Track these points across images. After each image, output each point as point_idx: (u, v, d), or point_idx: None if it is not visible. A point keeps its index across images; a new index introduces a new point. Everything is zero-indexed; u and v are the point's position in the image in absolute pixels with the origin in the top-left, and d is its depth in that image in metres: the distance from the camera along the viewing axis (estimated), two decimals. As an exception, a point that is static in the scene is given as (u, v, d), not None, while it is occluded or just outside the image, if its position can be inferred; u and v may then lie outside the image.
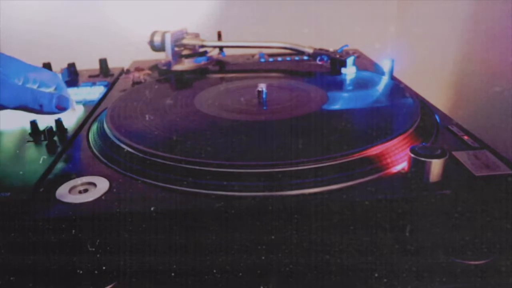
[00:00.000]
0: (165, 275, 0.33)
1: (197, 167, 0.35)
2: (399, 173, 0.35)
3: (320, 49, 0.68)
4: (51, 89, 0.46)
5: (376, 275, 0.33)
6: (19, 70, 0.42)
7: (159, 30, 0.74)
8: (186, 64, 0.73)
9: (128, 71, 0.75)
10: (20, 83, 0.42)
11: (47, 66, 0.69)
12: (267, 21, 0.97)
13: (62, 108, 0.43)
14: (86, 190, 0.34)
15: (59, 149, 0.42)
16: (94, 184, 0.35)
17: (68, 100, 0.44)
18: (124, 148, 0.40)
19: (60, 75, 0.67)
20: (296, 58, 0.77)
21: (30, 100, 0.40)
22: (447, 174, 0.33)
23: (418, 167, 0.33)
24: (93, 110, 0.55)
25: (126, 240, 0.32)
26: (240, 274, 0.33)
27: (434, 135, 0.42)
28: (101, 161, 0.40)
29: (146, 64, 0.77)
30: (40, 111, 0.42)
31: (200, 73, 0.71)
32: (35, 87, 0.44)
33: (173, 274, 0.33)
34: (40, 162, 0.39)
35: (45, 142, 0.43)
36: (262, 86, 0.51)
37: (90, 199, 0.33)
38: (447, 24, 0.79)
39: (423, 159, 0.32)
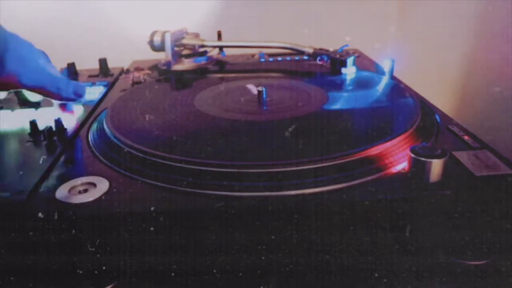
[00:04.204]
0: (165, 275, 0.33)
1: (197, 167, 0.35)
2: (399, 173, 0.35)
3: (320, 49, 0.68)
4: None
5: (376, 275, 0.33)
6: (33, 53, 0.42)
7: (159, 30, 0.74)
8: (186, 64, 0.73)
9: (128, 71, 0.75)
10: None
11: (47, 66, 0.69)
12: (267, 21, 0.97)
13: (79, 95, 0.44)
14: (86, 190, 0.34)
15: (58, 149, 0.42)
16: (94, 184, 0.35)
17: (84, 89, 0.45)
18: (124, 148, 0.40)
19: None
20: (296, 58, 0.77)
21: (49, 83, 0.41)
22: (447, 174, 0.33)
23: (418, 167, 0.33)
24: (93, 110, 0.55)
25: (126, 240, 0.32)
26: (240, 274, 0.33)
27: (434, 135, 0.42)
28: (101, 161, 0.40)
29: (146, 64, 0.77)
30: (57, 95, 0.42)
31: (200, 73, 0.71)
32: None
33: (173, 274, 0.33)
34: (40, 162, 0.39)
35: (44, 142, 0.43)
36: (260, 87, 0.52)
37: (90, 199, 0.33)
38: (447, 24, 0.79)
39: (423, 159, 0.32)
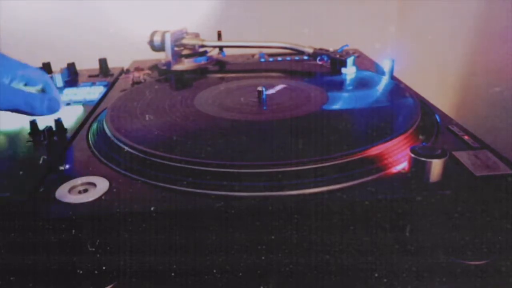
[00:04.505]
0: (165, 275, 0.33)
1: (197, 167, 0.35)
2: (399, 173, 0.35)
3: (320, 49, 0.68)
4: (38, 87, 0.45)
5: (376, 275, 0.33)
6: (7, 68, 0.41)
7: (159, 30, 0.74)
8: (186, 64, 0.73)
9: (128, 71, 0.75)
10: (8, 81, 0.41)
11: (47, 66, 0.69)
12: (267, 21, 0.97)
13: (53, 110, 0.43)
14: (86, 190, 0.34)
15: (59, 149, 0.42)
16: (94, 184, 0.35)
17: (58, 103, 0.44)
18: (124, 148, 0.40)
19: (59, 75, 0.67)
20: (296, 58, 0.77)
21: (21, 103, 0.40)
22: (447, 174, 0.33)
23: (418, 167, 0.33)
24: (93, 110, 0.55)
25: (126, 240, 0.32)
26: (240, 274, 0.33)
27: (434, 135, 0.42)
28: (101, 161, 0.40)
29: (146, 64, 0.77)
30: (31, 113, 0.42)
31: (200, 73, 0.71)
32: (22, 84, 0.43)
33: (173, 274, 0.33)
34: (40, 162, 0.39)
35: (45, 142, 0.43)
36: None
37: (90, 199, 0.33)
38: (447, 24, 0.79)
39: (423, 159, 0.32)
